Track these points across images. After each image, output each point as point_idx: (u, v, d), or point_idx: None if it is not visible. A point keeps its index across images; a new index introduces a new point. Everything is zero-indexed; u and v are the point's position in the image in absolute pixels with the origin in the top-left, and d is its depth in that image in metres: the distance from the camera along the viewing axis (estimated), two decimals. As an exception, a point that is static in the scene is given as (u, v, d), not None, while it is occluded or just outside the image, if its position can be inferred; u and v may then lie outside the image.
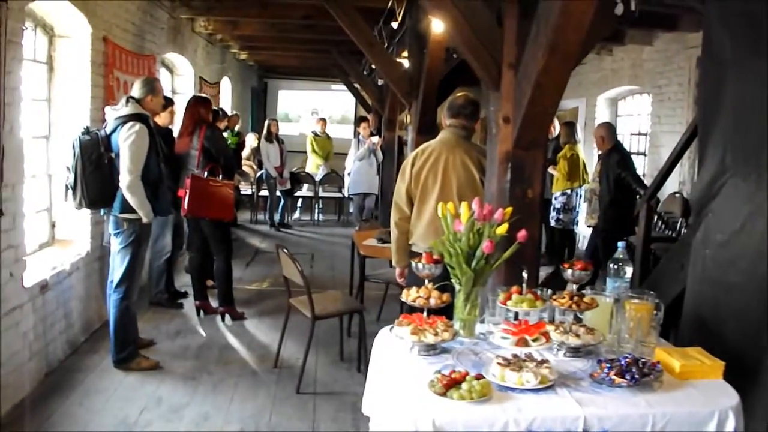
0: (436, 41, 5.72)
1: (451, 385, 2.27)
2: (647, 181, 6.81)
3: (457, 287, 2.91)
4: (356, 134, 10.87)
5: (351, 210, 12.07)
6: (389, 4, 5.85)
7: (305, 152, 12.54)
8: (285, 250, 4.52)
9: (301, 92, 17.08)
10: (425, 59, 6.03)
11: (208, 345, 5.25)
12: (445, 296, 2.82)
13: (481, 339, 2.87)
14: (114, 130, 4.41)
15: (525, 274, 2.78)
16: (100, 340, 5.12)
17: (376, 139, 10.06)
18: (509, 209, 2.93)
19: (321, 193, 11.73)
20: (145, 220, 4.47)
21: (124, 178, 4.34)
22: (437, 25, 5.32)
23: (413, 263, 2.88)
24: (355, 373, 4.83)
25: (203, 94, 6.97)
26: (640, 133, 9.37)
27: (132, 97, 4.52)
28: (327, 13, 7.05)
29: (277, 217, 10.83)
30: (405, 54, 7.37)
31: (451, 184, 3.85)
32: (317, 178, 11.43)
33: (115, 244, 4.53)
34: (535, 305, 2.69)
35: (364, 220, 6.16)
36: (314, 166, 11.66)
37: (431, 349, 2.66)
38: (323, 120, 12.00)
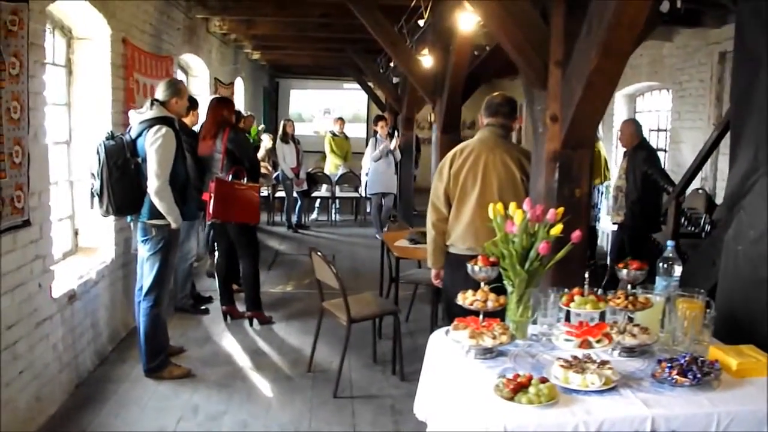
0: (462, 38, 5.58)
1: (517, 389, 2.18)
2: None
3: (510, 289, 2.81)
4: (374, 133, 10.73)
5: (368, 210, 11.98)
6: (413, 2, 5.71)
7: (320, 152, 12.46)
8: (319, 253, 4.40)
9: (312, 91, 16.96)
10: (451, 57, 5.89)
11: (238, 351, 5.14)
12: (502, 299, 2.69)
13: (535, 340, 2.77)
14: (139, 135, 4.30)
15: (587, 275, 2.66)
16: (128, 349, 5.02)
17: (393, 143, 9.91)
18: (561, 209, 2.82)
19: (338, 194, 11.60)
20: (173, 225, 4.36)
21: (152, 184, 4.22)
22: (465, 23, 5.18)
23: (469, 266, 2.76)
24: (389, 376, 4.71)
25: (224, 96, 6.86)
26: (659, 129, 9.21)
27: (157, 100, 4.41)
28: (345, 11, 6.95)
29: (294, 219, 10.71)
30: (425, 52, 7.25)
31: (491, 184, 3.73)
32: (335, 179, 11.30)
33: (144, 251, 4.42)
34: (598, 306, 2.58)
35: (392, 220, 6.02)
36: (333, 166, 11.52)
37: (488, 353, 2.56)
38: (341, 119, 11.85)
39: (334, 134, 11.68)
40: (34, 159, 3.67)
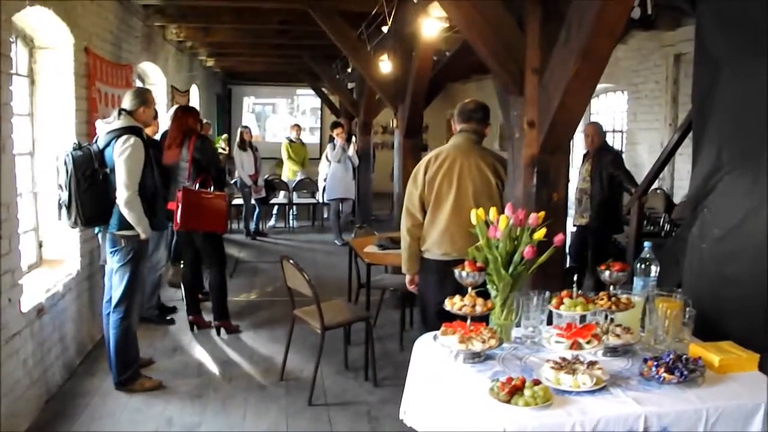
0: (425, 44, 5.67)
1: (513, 391, 2.24)
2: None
3: (493, 293, 2.89)
4: (330, 139, 10.75)
5: (325, 216, 11.97)
6: (376, 8, 5.78)
7: (275, 158, 12.44)
8: (291, 261, 4.41)
9: (265, 98, 16.88)
10: (414, 62, 5.98)
11: (208, 360, 5.11)
12: (490, 303, 2.77)
13: (519, 343, 2.85)
14: (107, 145, 4.25)
15: (576, 278, 2.76)
16: (96, 361, 4.94)
17: (351, 149, 9.95)
18: (542, 213, 2.91)
19: (295, 200, 11.57)
20: (143, 236, 4.32)
21: (122, 194, 4.18)
22: (428, 28, 5.28)
23: (456, 271, 2.83)
24: (363, 382, 4.75)
25: (189, 105, 6.80)
26: (614, 130, 9.50)
27: (124, 109, 4.36)
28: (303, 18, 6.98)
29: (252, 226, 10.64)
30: (384, 57, 7.32)
31: (466, 190, 3.81)
32: (293, 185, 11.27)
33: (113, 262, 4.37)
34: (587, 308, 2.67)
35: (359, 226, 6.07)
36: (291, 173, 11.50)
37: (476, 357, 2.63)
38: (297, 126, 11.84)
39: (290, 140, 11.66)
40: (2, 171, 3.60)
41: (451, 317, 4.02)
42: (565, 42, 2.93)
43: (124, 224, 4.26)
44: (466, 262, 2.84)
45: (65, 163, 4.19)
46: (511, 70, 3.24)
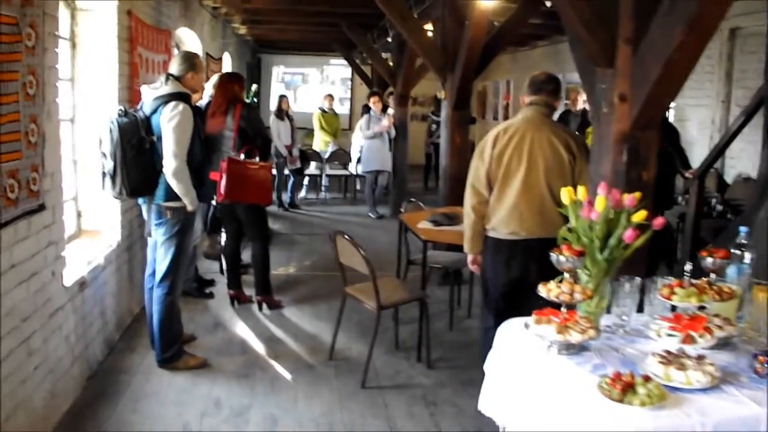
0: (480, 12, 5.36)
1: (625, 389, 2.02)
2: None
3: (585, 278, 2.65)
4: (366, 109, 10.48)
5: (358, 188, 11.75)
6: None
7: (306, 128, 12.22)
8: (346, 237, 4.18)
9: (296, 68, 16.59)
10: (467, 31, 5.66)
11: (252, 338, 4.92)
12: (588, 290, 2.52)
13: (610, 332, 2.62)
14: (154, 111, 4.02)
15: (689, 266, 2.51)
16: (136, 336, 4.79)
17: (385, 122, 9.65)
18: (638, 194, 2.67)
19: (327, 171, 11.33)
20: (189, 207, 4.11)
21: (170, 164, 3.96)
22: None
23: (553, 255, 2.59)
24: (415, 363, 4.56)
25: (234, 71, 6.55)
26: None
27: (171, 75, 4.13)
28: (348, -17, 6.70)
29: (287, 197, 10.44)
30: (428, 26, 7.02)
31: (537, 166, 3.56)
32: (325, 156, 11.03)
33: (158, 235, 4.17)
34: (702, 299, 2.41)
35: (409, 201, 5.82)
36: (323, 144, 11.25)
37: (572, 348, 2.42)
38: (330, 96, 11.57)
39: (323, 111, 11.40)
40: (48, 138, 3.40)
41: (515, 299, 3.84)
42: (668, 10, 2.68)
43: (170, 195, 4.05)
44: (563, 246, 2.59)
45: (110, 131, 3.97)
46: (601, 40, 2.97)
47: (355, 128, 10.79)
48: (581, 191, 2.75)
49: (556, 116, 4.18)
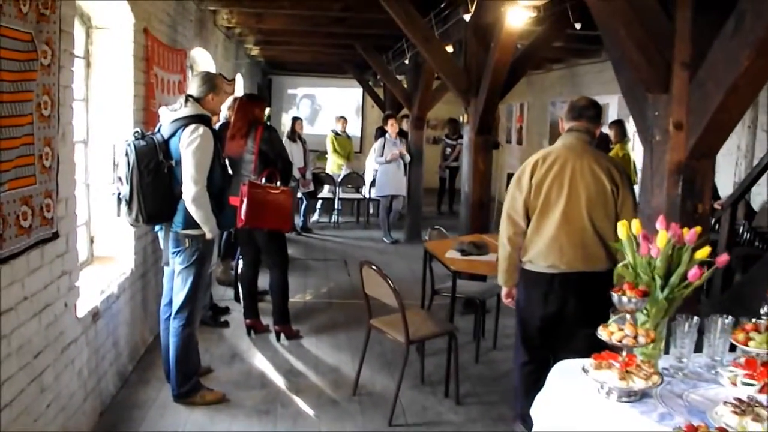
0: (507, 34, 5.19)
1: (705, 445, 1.80)
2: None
3: (642, 318, 2.44)
4: (381, 132, 10.31)
5: (371, 211, 11.56)
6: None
7: (317, 151, 12.08)
8: (374, 267, 3.97)
9: (306, 89, 16.48)
10: (492, 54, 5.48)
11: (271, 370, 4.70)
12: (652, 333, 2.31)
13: (667, 375, 2.41)
14: (173, 134, 3.84)
15: (766, 309, 2.30)
16: (149, 368, 4.57)
17: (402, 148, 9.51)
18: (698, 228, 2.46)
19: (341, 194, 11.14)
20: (209, 235, 3.92)
21: (189, 190, 3.77)
22: (515, 17, 4.82)
23: (615, 296, 2.38)
24: (443, 399, 4.33)
25: (254, 93, 6.39)
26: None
27: (191, 96, 3.95)
28: (365, 5, 6.56)
29: (299, 221, 10.24)
30: (448, 47, 6.86)
31: (578, 196, 3.36)
32: (339, 179, 10.86)
33: (176, 263, 3.97)
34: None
35: (434, 228, 5.59)
36: (336, 166, 11.09)
37: (633, 394, 2.19)
38: (343, 118, 11.41)
39: (336, 133, 11.25)
40: (62, 161, 3.21)
41: (552, 334, 3.62)
42: (734, 33, 2.50)
43: (189, 222, 3.86)
44: (625, 285, 2.38)
45: (126, 154, 3.79)
46: (656, 64, 2.78)
47: (369, 151, 10.61)
48: (636, 225, 2.55)
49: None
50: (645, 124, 2.98)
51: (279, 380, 4.52)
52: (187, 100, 3.91)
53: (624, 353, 2.28)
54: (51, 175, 3.08)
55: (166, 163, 3.82)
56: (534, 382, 3.72)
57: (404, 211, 10.14)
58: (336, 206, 11.15)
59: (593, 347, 3.63)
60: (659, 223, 2.48)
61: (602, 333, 2.36)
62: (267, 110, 9.95)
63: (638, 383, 2.15)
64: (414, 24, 5.90)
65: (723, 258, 2.45)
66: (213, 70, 7.76)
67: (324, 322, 5.81)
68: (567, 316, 3.50)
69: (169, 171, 3.84)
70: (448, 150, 12.80)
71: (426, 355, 4.74)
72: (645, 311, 2.43)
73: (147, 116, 4.75)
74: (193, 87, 4.02)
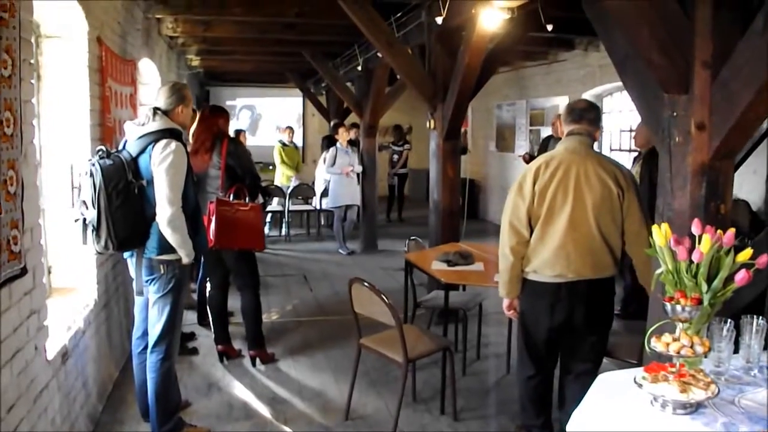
0: (479, 37, 5.05)
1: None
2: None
3: (683, 325, 2.31)
4: (329, 141, 10.08)
5: (322, 222, 11.30)
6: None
7: (262, 163, 11.75)
8: (366, 284, 3.73)
9: (245, 99, 16.05)
10: (462, 58, 5.33)
11: (253, 399, 4.39)
12: (707, 341, 2.17)
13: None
14: (142, 151, 3.51)
15: None
16: (119, 407, 4.21)
17: (358, 169, 9.35)
18: (733, 230, 2.35)
19: (291, 207, 10.82)
20: (185, 260, 3.60)
21: (164, 211, 3.45)
22: (490, 20, 4.69)
23: (668, 304, 2.23)
24: (439, 416, 4.14)
25: (217, 105, 6.06)
26: (631, 130, 9.05)
27: (159, 109, 3.64)
28: (319, 11, 6.36)
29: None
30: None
31: (584, 202, 3.23)
32: (288, 191, 10.54)
33: (150, 293, 3.63)
34: None
35: (411, 239, 5.37)
36: (284, 178, 10.78)
37: (689, 406, 2.05)
38: (290, 128, 11.13)
39: (283, 144, 10.95)
40: (25, 187, 2.86)
41: (558, 345, 3.48)
42: (763, 31, 2.39)
43: (164, 247, 3.53)
44: (677, 294, 2.23)
45: (91, 175, 3.43)
46: (678, 64, 2.67)
47: (311, 161, 10.36)
48: (666, 229, 2.42)
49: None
50: (659, 126, 2.87)
51: (264, 410, 4.22)
52: (155, 114, 3.59)
53: (677, 364, 2.14)
54: (16, 203, 2.73)
55: (136, 183, 3.48)
56: (541, 394, 3.59)
57: (359, 222, 9.92)
58: (286, 219, 10.82)
59: (600, 355, 3.55)
60: (695, 227, 2.37)
61: (657, 344, 2.21)
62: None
63: (698, 394, 2.02)
64: (377, 28, 5.70)
65: (764, 259, 2.35)
66: (158, 82, 7.38)
67: (297, 342, 5.52)
68: (575, 325, 3.37)
69: (140, 192, 3.50)
70: (395, 157, 12.66)
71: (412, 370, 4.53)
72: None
73: (103, 132, 4.39)
74: (161, 99, 3.70)
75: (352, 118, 11.05)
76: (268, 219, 10.95)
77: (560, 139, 7.93)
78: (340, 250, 9.52)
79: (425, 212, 7.05)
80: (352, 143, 9.81)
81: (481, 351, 5.21)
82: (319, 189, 10.22)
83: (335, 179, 9.33)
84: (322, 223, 11.26)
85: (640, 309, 5.74)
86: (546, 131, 10.05)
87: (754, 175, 6.25)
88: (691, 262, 2.32)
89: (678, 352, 2.13)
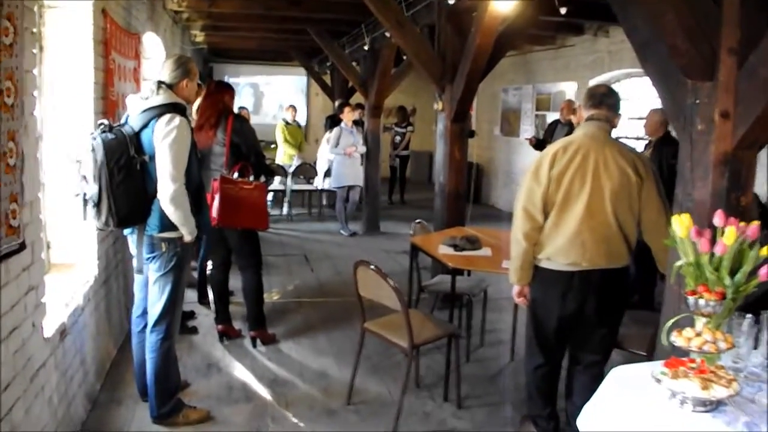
0: (491, 18, 4.93)
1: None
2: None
3: (703, 319, 2.24)
4: (332, 121, 9.97)
5: (324, 202, 11.21)
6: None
7: (265, 141, 11.60)
8: (372, 267, 3.65)
9: (248, 77, 15.88)
10: (473, 39, 5.21)
11: (253, 381, 4.32)
12: (730, 337, 2.09)
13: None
14: (145, 126, 3.42)
15: None
16: (118, 386, 4.14)
17: (362, 150, 9.23)
18: (756, 222, 2.28)
19: (293, 186, 10.73)
20: (188, 238, 3.52)
21: (167, 188, 3.36)
22: (502, 1, 4.59)
23: (691, 298, 2.15)
24: (442, 403, 4.09)
25: (222, 80, 5.95)
26: (640, 118, 8.92)
27: (163, 82, 3.53)
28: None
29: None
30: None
31: (602, 189, 3.14)
32: (290, 170, 10.44)
33: (151, 271, 3.56)
34: None
35: (417, 222, 5.27)
36: (287, 157, 10.68)
37: (709, 404, 1.99)
38: (293, 107, 10.99)
39: (286, 122, 10.83)
40: (25, 159, 2.77)
41: (568, 335, 3.41)
42: None
43: (166, 225, 3.45)
44: (700, 287, 2.15)
45: (93, 149, 3.34)
46: (703, 50, 2.57)
47: (313, 140, 10.25)
48: (687, 219, 2.34)
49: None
50: (681, 113, 2.77)
51: (264, 392, 4.16)
52: (159, 87, 3.49)
53: (698, 359, 2.07)
54: (16, 175, 2.65)
55: (139, 158, 3.39)
56: (548, 384, 3.53)
57: (361, 204, 9.84)
58: (288, 198, 10.74)
59: (610, 347, 3.48)
60: (718, 218, 2.29)
61: (678, 340, 2.14)
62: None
63: (720, 391, 1.94)
64: (386, 7, 5.58)
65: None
66: (163, 57, 7.25)
67: (298, 324, 5.46)
68: (586, 315, 3.30)
69: (142, 167, 3.41)
70: (398, 138, 12.55)
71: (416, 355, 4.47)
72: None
73: (106, 105, 4.29)
74: (165, 72, 3.60)
75: (356, 98, 10.92)
76: (269, 198, 10.86)
77: (567, 123, 7.93)
78: (342, 231, 9.44)
79: (427, 195, 6.99)
80: (357, 123, 9.69)
81: (486, 337, 5.14)
82: (321, 169, 10.13)
83: (339, 159, 9.23)
84: (324, 203, 11.16)
85: (643, 299, 5.71)
86: (552, 116, 9.93)
87: (763, 167, 6.12)
88: (713, 254, 2.25)
89: (700, 348, 2.05)
